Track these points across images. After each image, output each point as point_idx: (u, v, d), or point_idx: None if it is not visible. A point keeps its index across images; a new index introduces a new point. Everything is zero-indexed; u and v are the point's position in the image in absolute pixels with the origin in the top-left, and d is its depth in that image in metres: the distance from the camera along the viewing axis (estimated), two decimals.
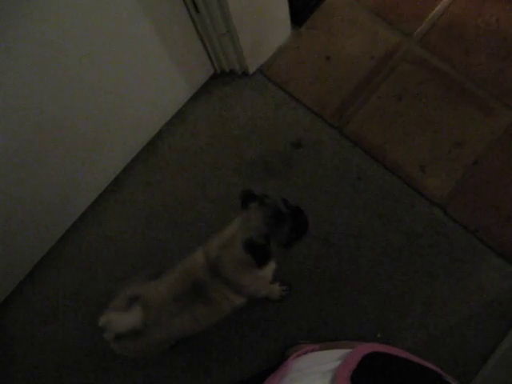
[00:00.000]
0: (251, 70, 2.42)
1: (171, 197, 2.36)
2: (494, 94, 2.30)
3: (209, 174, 2.36)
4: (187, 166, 2.38)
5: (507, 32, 2.36)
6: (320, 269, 2.20)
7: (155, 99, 2.26)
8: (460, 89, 2.32)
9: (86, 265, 2.35)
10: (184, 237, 2.30)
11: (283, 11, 2.30)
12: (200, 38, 2.17)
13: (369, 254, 2.20)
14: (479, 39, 2.37)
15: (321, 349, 1.04)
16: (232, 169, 2.35)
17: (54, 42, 1.57)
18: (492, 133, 2.25)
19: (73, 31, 1.61)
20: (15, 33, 1.44)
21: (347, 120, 2.35)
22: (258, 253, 1.53)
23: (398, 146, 2.29)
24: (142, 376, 2.19)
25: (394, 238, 2.20)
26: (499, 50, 2.34)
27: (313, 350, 1.02)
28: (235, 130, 2.40)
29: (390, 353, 0.82)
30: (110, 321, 1.63)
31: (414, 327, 2.12)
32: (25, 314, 2.34)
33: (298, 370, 0.86)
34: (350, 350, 0.81)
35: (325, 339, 2.12)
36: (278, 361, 2.02)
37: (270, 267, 1.74)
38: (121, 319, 1.63)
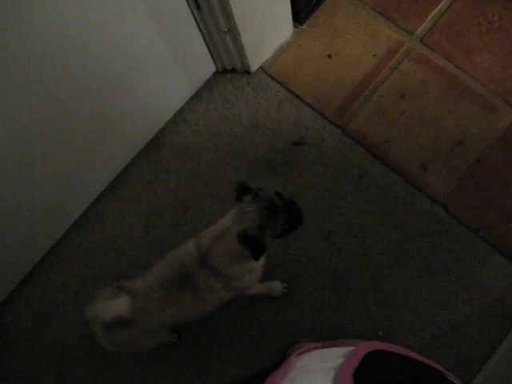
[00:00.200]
0: (253, 68, 2.42)
1: (173, 195, 2.36)
2: (496, 92, 2.29)
3: (210, 172, 2.36)
4: (189, 164, 2.38)
5: (510, 30, 2.35)
6: (321, 267, 2.20)
7: (157, 97, 2.26)
8: (462, 87, 2.32)
9: (87, 263, 2.35)
10: (186, 235, 2.28)
11: (285, 9, 2.29)
12: (202, 35, 2.16)
13: (370, 252, 2.20)
14: (482, 37, 2.36)
15: (323, 347, 1.04)
16: (234, 167, 2.34)
17: (55, 39, 1.57)
18: (494, 131, 2.25)
19: (74, 29, 1.60)
20: (17, 28, 1.44)
21: (349, 118, 2.35)
22: (252, 245, 1.53)
23: (400, 144, 2.28)
24: (142, 374, 2.19)
25: (396, 237, 2.20)
26: (502, 48, 2.34)
27: (315, 348, 1.02)
28: (237, 128, 2.40)
29: (392, 351, 0.82)
30: (97, 310, 1.63)
31: (416, 326, 2.12)
32: (26, 313, 2.34)
33: (301, 368, 0.86)
34: (353, 347, 0.81)
35: (326, 338, 2.12)
36: (279, 359, 2.02)
37: (260, 262, 1.74)
38: (108, 307, 1.64)
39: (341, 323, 2.15)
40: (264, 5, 2.11)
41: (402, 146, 2.28)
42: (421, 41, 2.40)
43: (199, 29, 2.12)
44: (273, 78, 2.44)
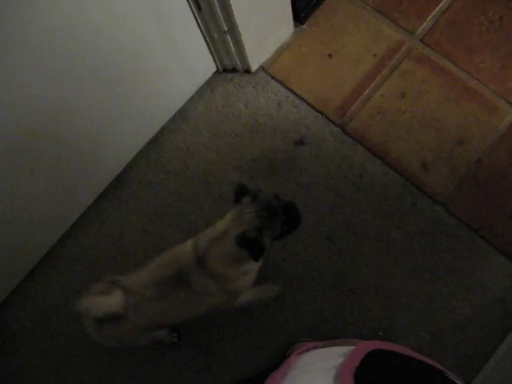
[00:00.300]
0: (253, 67, 2.42)
1: (173, 194, 2.36)
2: (496, 91, 2.29)
3: (211, 172, 2.36)
4: (189, 164, 2.38)
5: (510, 29, 2.35)
6: (322, 267, 2.20)
7: (158, 97, 2.26)
8: (463, 86, 2.32)
9: (87, 263, 2.35)
10: (186, 234, 2.28)
11: (285, 9, 2.29)
12: (202, 35, 2.16)
13: (371, 251, 2.20)
14: (482, 37, 2.36)
15: (323, 346, 1.04)
16: (234, 166, 2.35)
17: (54, 39, 1.57)
18: (495, 130, 2.25)
19: (75, 29, 1.60)
20: (17, 27, 1.44)
21: (350, 118, 2.35)
22: (252, 246, 1.54)
23: (401, 143, 2.29)
24: (143, 374, 2.19)
25: (396, 236, 2.20)
26: (502, 47, 2.34)
27: (315, 348, 1.02)
28: (237, 127, 2.40)
29: (393, 350, 0.82)
30: (89, 304, 1.64)
31: (416, 325, 2.12)
32: (26, 313, 2.34)
33: (301, 367, 0.86)
34: (353, 347, 0.81)
35: (326, 337, 2.12)
36: (279, 359, 2.02)
37: (257, 264, 1.75)
38: (100, 303, 1.64)
39: (341, 323, 2.15)
40: (264, 4, 2.11)
41: (402, 146, 2.28)
42: (421, 40, 2.40)
43: (200, 28, 2.12)
44: (273, 78, 2.44)
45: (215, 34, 2.15)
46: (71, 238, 2.38)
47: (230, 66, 2.43)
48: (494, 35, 2.36)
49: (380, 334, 2.12)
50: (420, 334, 2.11)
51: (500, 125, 2.26)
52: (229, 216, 1.62)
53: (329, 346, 1.00)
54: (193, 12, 2.00)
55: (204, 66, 2.37)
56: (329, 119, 2.36)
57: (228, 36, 2.14)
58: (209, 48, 2.27)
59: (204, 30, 2.13)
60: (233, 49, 2.25)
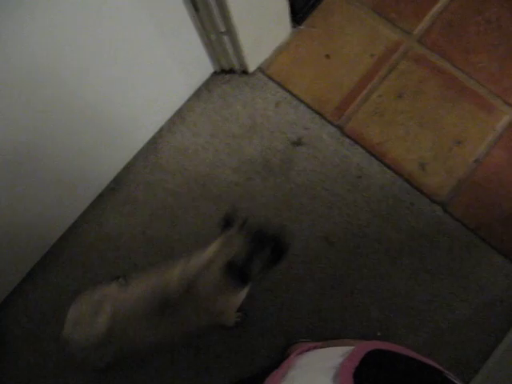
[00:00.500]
0: (251, 68, 2.42)
1: (171, 195, 2.36)
2: (494, 91, 2.29)
3: (209, 173, 2.36)
4: (187, 165, 2.38)
5: (507, 30, 2.35)
6: (320, 267, 2.20)
7: (155, 98, 2.26)
8: (460, 87, 2.32)
9: (86, 264, 2.35)
10: (184, 236, 2.30)
11: (283, 9, 2.30)
12: (200, 36, 2.16)
13: (369, 252, 2.20)
14: (479, 37, 2.36)
15: (323, 346, 1.03)
16: (232, 167, 2.35)
17: (52, 39, 1.56)
18: (493, 130, 2.25)
19: (73, 29, 1.60)
20: (17, 28, 1.44)
21: (347, 118, 2.35)
22: (239, 275, 1.54)
23: (399, 144, 2.29)
24: (142, 375, 2.18)
25: (395, 237, 2.20)
26: (499, 47, 2.34)
27: (315, 348, 1.02)
28: (235, 128, 2.40)
29: (392, 350, 0.82)
30: (74, 331, 1.64)
31: (415, 326, 2.12)
32: (25, 314, 2.33)
33: (301, 367, 0.86)
34: (352, 347, 0.81)
35: (325, 338, 2.12)
36: (278, 359, 2.02)
37: (244, 293, 1.76)
38: (86, 329, 1.64)
39: (340, 323, 2.15)
40: (262, 5, 2.11)
41: (400, 146, 2.28)
42: (419, 41, 2.40)
43: (197, 30, 2.12)
44: (271, 79, 2.44)
45: (212, 35, 2.15)
46: (69, 240, 2.37)
47: (228, 66, 2.43)
48: (491, 35, 2.36)
49: (379, 334, 2.12)
50: (418, 334, 2.11)
51: (498, 125, 2.26)
52: (217, 243, 1.62)
53: (328, 347, 1.00)
54: (190, 13, 2.00)
55: (201, 67, 2.37)
56: (326, 120, 2.36)
57: (225, 37, 2.14)
58: (206, 49, 2.27)
59: (201, 31, 2.13)
60: (230, 50, 2.25)
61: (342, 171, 2.28)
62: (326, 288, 2.18)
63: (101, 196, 2.40)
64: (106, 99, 1.98)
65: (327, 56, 2.44)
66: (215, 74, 2.48)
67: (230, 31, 2.09)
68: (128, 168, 2.41)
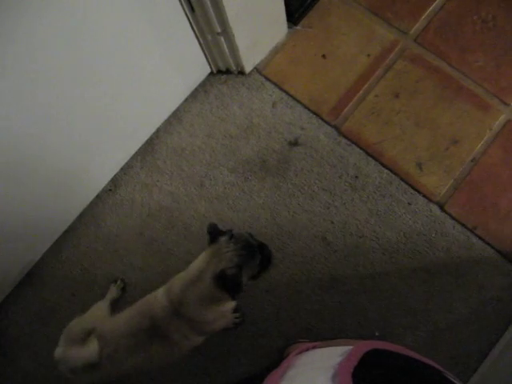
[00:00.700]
0: (247, 68, 2.42)
1: (168, 196, 2.35)
2: (490, 90, 2.30)
3: (206, 173, 2.36)
4: (184, 166, 2.38)
5: (503, 29, 2.36)
6: (318, 267, 2.20)
7: (152, 99, 2.26)
8: (457, 86, 2.33)
9: (83, 266, 2.35)
10: (181, 236, 2.30)
11: (279, 10, 2.29)
12: (196, 37, 2.16)
13: (366, 252, 2.20)
14: (476, 36, 2.37)
15: (322, 346, 1.04)
16: (229, 168, 2.34)
17: (48, 40, 1.56)
18: (489, 130, 2.26)
19: (68, 30, 1.60)
20: (8, 30, 1.43)
21: (344, 118, 2.35)
22: (230, 284, 1.56)
23: (395, 143, 2.29)
24: (140, 377, 2.18)
25: (392, 236, 2.20)
26: (496, 46, 2.34)
27: (314, 348, 1.02)
28: (232, 128, 2.40)
29: (391, 350, 0.82)
30: (66, 355, 1.64)
31: (413, 325, 2.12)
32: (23, 316, 2.33)
33: (300, 366, 0.86)
34: (351, 347, 0.81)
35: (323, 338, 2.12)
36: (277, 359, 2.02)
37: (233, 303, 1.78)
38: (77, 354, 1.64)
39: (338, 323, 2.15)
40: (258, 6, 2.11)
41: (397, 146, 2.29)
42: (415, 40, 2.40)
43: (193, 30, 2.11)
44: (267, 79, 2.44)
45: (209, 36, 2.15)
46: (67, 241, 2.37)
47: (224, 67, 2.43)
48: (487, 35, 2.36)
49: (377, 334, 2.13)
50: (416, 333, 2.11)
51: (494, 124, 2.26)
52: (203, 257, 1.64)
53: (327, 346, 1.00)
54: (186, 14, 2.00)
55: (198, 67, 2.37)
56: (323, 120, 2.36)
57: (221, 37, 2.14)
58: (202, 50, 2.27)
59: (197, 32, 2.13)
60: (226, 50, 2.25)
61: (339, 171, 2.28)
62: (323, 288, 2.18)
63: (98, 197, 2.40)
64: (101, 101, 1.98)
65: (323, 56, 2.44)
66: (212, 74, 2.48)
67: (226, 32, 2.09)
68: (125, 169, 2.41)
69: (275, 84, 2.43)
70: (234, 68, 2.41)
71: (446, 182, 2.22)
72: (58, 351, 1.66)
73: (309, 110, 2.38)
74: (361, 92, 2.37)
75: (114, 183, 2.40)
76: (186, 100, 2.46)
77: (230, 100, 2.44)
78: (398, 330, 2.12)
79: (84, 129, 2.00)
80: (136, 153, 2.41)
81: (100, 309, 1.99)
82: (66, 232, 2.37)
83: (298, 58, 2.45)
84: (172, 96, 2.39)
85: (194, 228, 2.30)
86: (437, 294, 2.13)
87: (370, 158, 2.29)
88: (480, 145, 2.25)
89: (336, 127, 2.34)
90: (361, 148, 2.30)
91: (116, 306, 2.14)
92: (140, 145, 2.41)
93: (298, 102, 2.39)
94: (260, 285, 2.19)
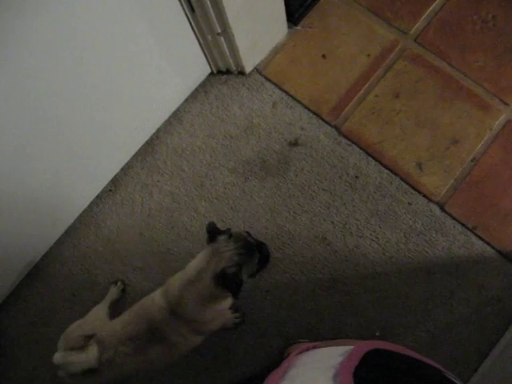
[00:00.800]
0: (247, 69, 2.42)
1: (168, 197, 2.35)
2: (491, 90, 2.30)
3: (206, 174, 2.36)
4: (184, 166, 2.38)
5: (503, 29, 2.36)
6: (318, 267, 2.20)
7: (152, 99, 2.26)
8: (457, 86, 2.33)
9: (83, 266, 2.34)
10: (182, 237, 2.30)
11: (279, 10, 2.29)
12: (196, 37, 2.16)
13: (367, 252, 2.20)
14: (476, 36, 2.37)
15: (322, 346, 1.04)
16: (229, 168, 2.34)
17: (47, 41, 1.56)
18: (489, 129, 2.26)
19: (67, 31, 1.60)
20: (4, 33, 1.43)
21: (344, 118, 2.35)
22: (232, 283, 1.56)
23: (396, 143, 2.29)
24: (139, 378, 2.18)
25: (392, 236, 2.20)
26: (496, 46, 2.34)
27: (314, 347, 1.02)
28: (232, 129, 2.40)
29: (391, 350, 0.82)
30: (65, 360, 1.64)
31: (413, 325, 2.12)
32: (23, 317, 2.33)
33: (301, 366, 0.86)
34: (352, 347, 0.81)
35: (324, 338, 2.12)
36: (278, 359, 2.02)
37: (231, 301, 1.79)
38: (77, 360, 1.64)
39: (338, 323, 2.15)
40: (258, 6, 2.11)
41: (397, 146, 2.29)
42: (415, 40, 2.40)
43: (193, 31, 2.11)
44: (267, 79, 2.44)
45: (209, 36, 2.15)
46: (67, 241, 2.37)
47: (224, 67, 2.43)
48: (487, 34, 2.36)
49: (377, 334, 2.12)
50: (417, 333, 2.11)
51: (494, 124, 2.26)
52: (202, 256, 1.64)
53: (328, 346, 1.00)
54: (186, 14, 2.00)
55: (198, 68, 2.37)
56: (323, 120, 2.36)
57: (222, 38, 2.14)
58: (203, 50, 2.27)
59: (197, 32, 2.13)
60: (226, 51, 2.25)
61: (339, 171, 2.28)
62: (324, 288, 2.18)
63: (98, 198, 2.40)
64: (102, 101, 1.98)
65: (324, 56, 2.44)
66: (212, 74, 2.48)
67: (226, 32, 2.09)
68: (125, 169, 2.41)
69: (275, 84, 2.43)
70: (234, 68, 2.41)
71: (446, 182, 2.22)
72: (57, 356, 1.66)
73: (309, 110, 2.38)
74: (361, 92, 2.37)
75: (115, 183, 2.40)
76: (186, 100, 2.46)
77: (230, 100, 2.44)
78: (399, 329, 2.12)
79: (84, 129, 2.00)
80: (136, 153, 2.41)
81: (99, 313, 1.99)
82: (67, 232, 2.37)
83: (298, 58, 2.45)
84: (172, 96, 2.39)
85: (194, 228, 2.30)
86: (437, 294, 2.13)
87: (371, 158, 2.29)
88: (480, 145, 2.25)
89: (336, 127, 2.34)
90: (361, 148, 2.30)
91: (116, 307, 2.14)
92: (140, 145, 2.41)
93: (298, 102, 2.39)
94: (260, 285, 2.19)
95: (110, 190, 2.40)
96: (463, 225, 2.18)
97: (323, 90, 2.40)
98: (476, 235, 2.16)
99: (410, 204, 2.22)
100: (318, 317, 2.16)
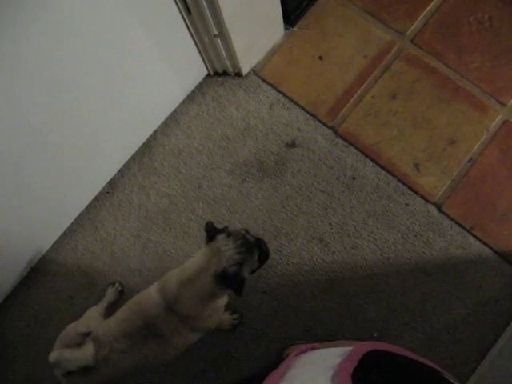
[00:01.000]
0: (244, 70, 2.42)
1: (166, 198, 2.35)
2: (487, 91, 2.30)
3: (203, 175, 2.36)
4: (181, 168, 2.38)
5: (500, 29, 2.36)
6: (315, 269, 2.20)
7: (149, 101, 2.26)
8: (454, 86, 2.33)
9: (81, 268, 2.34)
10: (179, 238, 2.30)
11: (275, 11, 2.30)
12: (192, 39, 2.16)
13: (364, 253, 2.20)
14: (472, 37, 2.37)
15: (321, 347, 1.04)
16: (226, 169, 2.34)
17: (44, 44, 1.56)
18: (486, 130, 2.26)
19: (64, 34, 1.60)
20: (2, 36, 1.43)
21: (341, 119, 2.35)
22: (234, 282, 1.57)
23: (393, 144, 2.29)
24: (138, 380, 2.18)
25: (389, 237, 2.20)
26: (492, 47, 2.35)
27: (313, 348, 1.02)
28: (229, 130, 2.40)
29: (390, 350, 0.82)
30: (61, 358, 1.64)
31: (410, 326, 2.12)
32: (21, 319, 2.33)
33: (300, 367, 0.86)
34: (350, 348, 0.81)
35: (322, 339, 2.12)
36: (276, 360, 2.02)
37: (226, 298, 1.80)
38: (73, 357, 1.64)
39: (336, 325, 2.15)
40: (254, 8, 2.11)
41: (394, 147, 2.29)
42: (412, 41, 2.40)
43: (190, 32, 2.11)
44: (264, 81, 2.44)
45: (205, 38, 2.15)
46: (65, 243, 2.37)
47: (221, 69, 2.43)
48: (484, 35, 2.37)
49: (375, 335, 2.12)
50: (415, 334, 2.11)
51: (491, 124, 2.27)
52: (202, 256, 1.63)
53: (326, 347, 1.00)
54: (182, 16, 2.00)
55: (195, 69, 2.37)
56: (320, 121, 2.36)
57: (218, 39, 2.14)
58: (199, 52, 2.27)
59: (194, 34, 2.13)
60: (223, 52, 2.25)
61: (337, 172, 2.29)
62: (321, 289, 2.18)
63: (96, 200, 2.39)
64: (99, 103, 1.98)
65: (320, 58, 2.44)
66: (209, 76, 2.48)
67: (223, 34, 2.09)
68: (122, 171, 2.41)
69: (272, 86, 2.43)
70: (230, 70, 2.41)
71: (444, 183, 2.22)
72: (53, 355, 1.65)
73: (306, 111, 2.38)
74: (358, 93, 2.38)
75: (112, 185, 2.40)
76: (183, 102, 2.46)
77: (227, 102, 2.44)
78: (396, 330, 2.12)
79: (81, 131, 2.00)
80: (133, 155, 2.41)
81: (94, 314, 1.99)
82: (64, 234, 2.37)
83: (295, 59, 2.46)
84: (169, 98, 2.39)
85: (191, 230, 2.30)
86: (435, 295, 2.13)
87: (368, 159, 2.29)
88: (477, 145, 2.25)
89: (333, 128, 2.34)
90: (358, 149, 2.31)
91: (113, 309, 2.13)
92: (137, 147, 2.41)
93: (295, 103, 2.39)
94: (258, 286, 2.19)
95: (108, 192, 2.40)
96: (460, 225, 2.18)
97: (320, 91, 2.40)
98: (473, 236, 2.16)
99: (407, 205, 2.22)
100: (315, 318, 2.16)
